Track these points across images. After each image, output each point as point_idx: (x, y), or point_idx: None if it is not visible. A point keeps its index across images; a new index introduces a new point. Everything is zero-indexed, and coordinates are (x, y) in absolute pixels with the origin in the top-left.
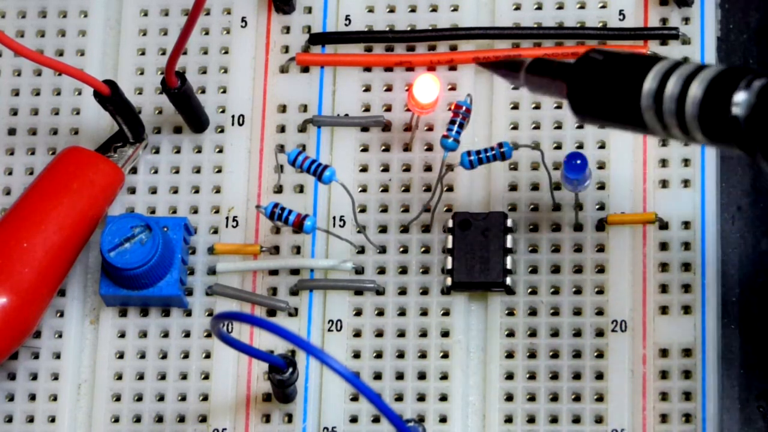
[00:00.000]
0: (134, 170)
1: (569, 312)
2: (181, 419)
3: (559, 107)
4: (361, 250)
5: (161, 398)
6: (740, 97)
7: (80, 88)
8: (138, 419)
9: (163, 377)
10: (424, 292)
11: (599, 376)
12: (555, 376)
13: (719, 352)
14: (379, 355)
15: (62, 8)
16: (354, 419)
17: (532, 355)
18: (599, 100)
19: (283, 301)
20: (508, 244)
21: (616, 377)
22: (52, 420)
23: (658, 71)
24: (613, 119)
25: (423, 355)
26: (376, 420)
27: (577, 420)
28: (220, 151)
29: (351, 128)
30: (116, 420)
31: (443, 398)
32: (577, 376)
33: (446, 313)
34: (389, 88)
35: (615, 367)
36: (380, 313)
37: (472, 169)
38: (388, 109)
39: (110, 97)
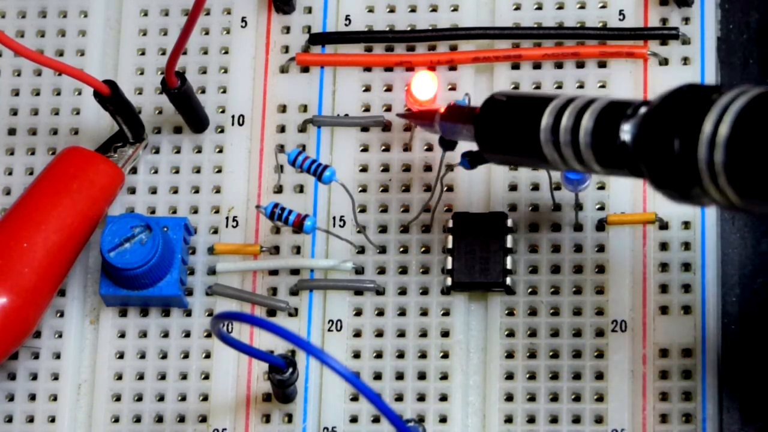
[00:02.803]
0: (134, 170)
1: (569, 312)
2: (181, 419)
3: None
4: (361, 250)
5: (161, 398)
6: (627, 124)
7: (80, 88)
8: (138, 419)
9: (163, 377)
10: (424, 292)
11: (599, 376)
12: (555, 376)
13: (719, 352)
14: (379, 355)
15: (62, 8)
16: (354, 419)
17: (532, 355)
18: (504, 138)
19: (283, 301)
20: (508, 244)
21: (616, 377)
22: (52, 420)
23: (553, 108)
24: (517, 155)
25: (423, 355)
26: (376, 420)
27: (577, 420)
28: (220, 151)
29: (351, 128)
30: (116, 420)
31: (443, 398)
32: (577, 376)
33: (446, 313)
34: (389, 88)
35: (615, 367)
36: (380, 313)
37: (472, 169)
38: (388, 109)
39: (110, 97)
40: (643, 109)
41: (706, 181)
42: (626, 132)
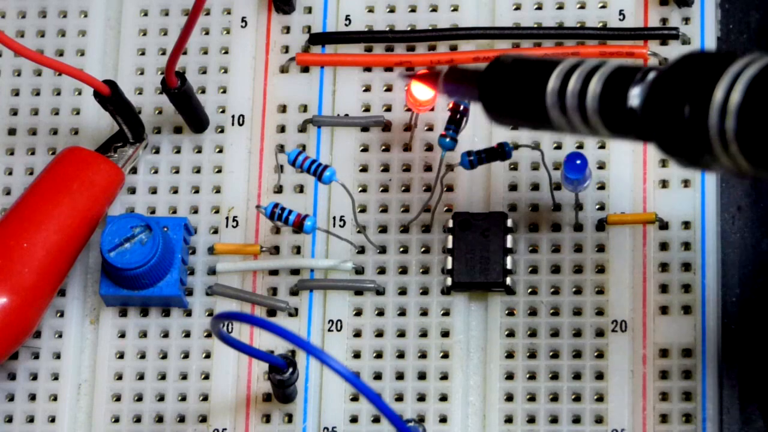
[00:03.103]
0: (134, 170)
1: (569, 312)
2: (181, 419)
3: None
4: (361, 250)
5: (161, 398)
6: (636, 89)
7: (80, 88)
8: (138, 419)
9: (163, 377)
10: (424, 292)
11: (599, 376)
12: (555, 376)
13: (719, 352)
14: (379, 355)
15: (62, 8)
16: (354, 419)
17: (532, 355)
18: (508, 101)
19: (283, 301)
20: (508, 244)
21: (616, 377)
22: (52, 420)
23: (560, 71)
24: (522, 118)
25: (423, 355)
26: (376, 420)
27: (577, 420)
28: (220, 151)
29: (351, 128)
30: (116, 420)
31: (443, 398)
32: (577, 376)
33: (446, 313)
34: (389, 88)
35: (615, 367)
36: (380, 313)
37: (472, 169)
38: (388, 109)
39: (110, 97)
40: (652, 74)
41: (716, 148)
42: (635, 97)
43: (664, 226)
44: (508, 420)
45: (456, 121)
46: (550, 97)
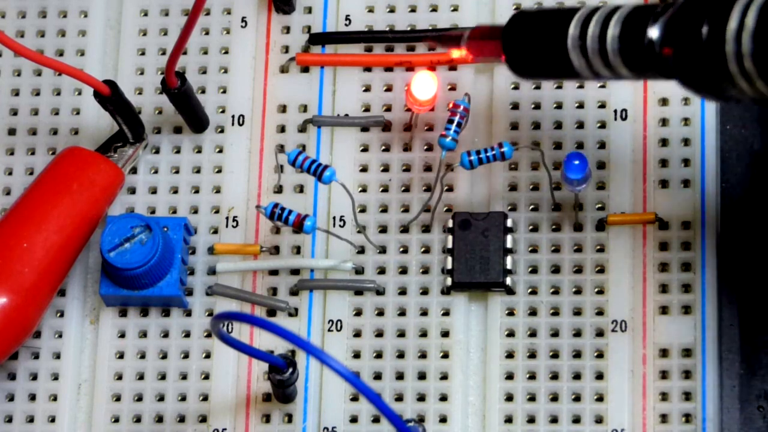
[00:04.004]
0: (134, 170)
1: (569, 312)
2: (181, 419)
3: (559, 107)
4: (361, 250)
5: (161, 398)
6: (655, 23)
7: (80, 88)
8: (138, 419)
9: (163, 377)
10: (424, 292)
11: (599, 376)
12: (555, 376)
13: (719, 352)
14: (379, 355)
15: (62, 8)
16: (354, 419)
17: (532, 355)
18: (531, 51)
19: (283, 301)
20: (508, 244)
21: (616, 377)
22: (52, 420)
23: (579, 18)
24: (545, 67)
25: (423, 355)
26: (376, 420)
27: (577, 420)
28: (220, 151)
29: (351, 128)
30: (116, 420)
31: (443, 398)
32: (577, 376)
33: (446, 313)
34: (389, 88)
35: (615, 367)
36: (380, 313)
37: (472, 169)
38: (388, 109)
39: (110, 97)
40: (671, 9)
41: (734, 70)
42: (654, 30)
43: (664, 226)
44: (508, 420)
45: (456, 121)
46: (572, 43)
